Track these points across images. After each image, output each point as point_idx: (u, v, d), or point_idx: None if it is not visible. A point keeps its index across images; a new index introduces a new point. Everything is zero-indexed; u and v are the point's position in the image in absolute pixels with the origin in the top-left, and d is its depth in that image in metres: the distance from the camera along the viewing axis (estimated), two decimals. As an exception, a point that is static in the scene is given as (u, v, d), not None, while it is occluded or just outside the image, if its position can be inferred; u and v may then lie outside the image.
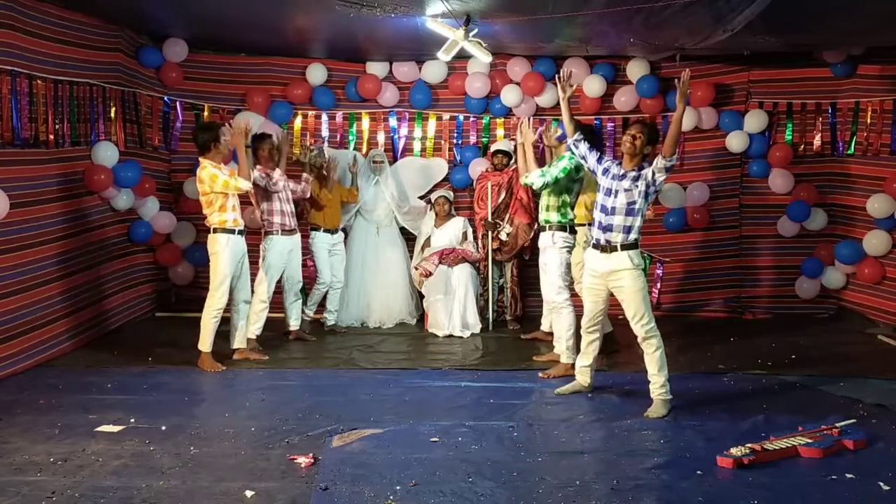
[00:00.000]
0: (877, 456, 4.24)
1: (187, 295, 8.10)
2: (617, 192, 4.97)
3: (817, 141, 7.87)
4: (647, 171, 4.94)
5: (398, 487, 3.81)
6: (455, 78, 8.02)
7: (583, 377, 5.45)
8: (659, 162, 4.90)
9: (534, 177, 5.85)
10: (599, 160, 5.19)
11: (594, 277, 5.14)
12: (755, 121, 7.81)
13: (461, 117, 8.13)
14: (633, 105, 7.92)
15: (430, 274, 7.34)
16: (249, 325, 6.42)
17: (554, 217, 5.91)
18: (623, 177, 4.99)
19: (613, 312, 6.81)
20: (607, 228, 4.99)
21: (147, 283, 7.82)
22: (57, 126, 6.28)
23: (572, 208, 5.97)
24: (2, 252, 5.68)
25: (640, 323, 5.00)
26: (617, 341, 6.43)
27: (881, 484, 3.86)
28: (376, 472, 4.00)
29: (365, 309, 7.58)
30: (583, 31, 6.61)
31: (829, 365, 6.18)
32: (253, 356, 6.26)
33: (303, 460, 4.14)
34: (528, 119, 5.96)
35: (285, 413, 4.97)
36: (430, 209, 7.75)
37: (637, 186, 4.94)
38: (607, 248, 4.99)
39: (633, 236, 4.97)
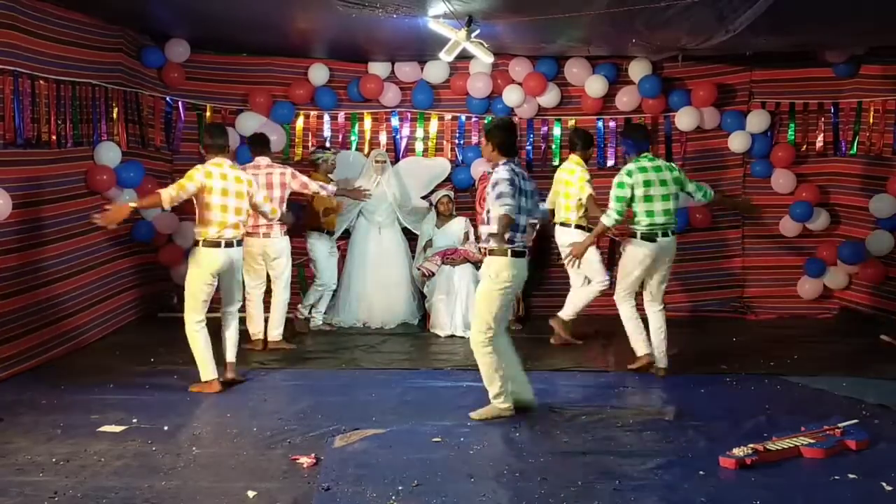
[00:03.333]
0: (879, 456, 4.24)
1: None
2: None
3: (820, 141, 7.86)
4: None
5: (400, 488, 3.81)
6: (457, 78, 8.02)
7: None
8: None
9: (609, 221, 5.64)
10: (516, 194, 4.67)
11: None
12: (757, 121, 7.80)
13: (463, 117, 8.12)
14: (635, 105, 7.92)
15: (433, 274, 7.34)
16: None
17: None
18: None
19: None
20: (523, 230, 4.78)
21: (149, 283, 7.82)
22: (59, 126, 6.28)
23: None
24: (4, 252, 5.69)
25: (477, 329, 4.88)
26: None
27: (884, 484, 3.86)
28: (378, 472, 4.00)
29: (367, 309, 7.57)
30: (585, 32, 6.61)
31: (831, 365, 6.17)
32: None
33: (305, 460, 4.14)
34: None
35: (287, 413, 4.98)
36: (433, 209, 7.76)
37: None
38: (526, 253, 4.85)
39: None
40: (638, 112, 7.95)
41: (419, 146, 8.14)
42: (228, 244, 5.39)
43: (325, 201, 7.04)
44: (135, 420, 4.79)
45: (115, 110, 7.06)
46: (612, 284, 6.34)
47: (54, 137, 6.22)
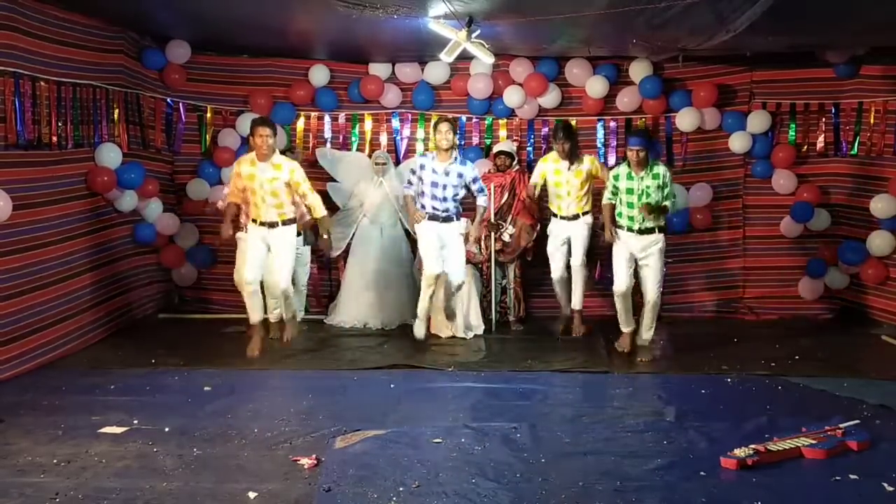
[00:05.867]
0: (881, 457, 4.24)
1: (190, 296, 8.11)
2: (445, 185, 6.48)
3: (820, 141, 7.86)
4: (469, 175, 6.57)
5: (401, 489, 3.81)
6: (457, 79, 8.02)
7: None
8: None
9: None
10: (410, 183, 6.66)
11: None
12: (758, 121, 7.80)
13: (464, 118, 8.12)
14: (636, 105, 7.91)
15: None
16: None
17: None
18: (447, 173, 6.49)
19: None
20: (445, 209, 6.52)
21: (150, 284, 7.82)
22: (60, 128, 6.28)
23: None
24: (5, 254, 5.69)
25: (460, 278, 6.58)
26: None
27: (885, 485, 3.86)
28: (379, 473, 4.00)
29: (368, 310, 7.57)
30: (585, 33, 6.61)
31: (832, 366, 6.18)
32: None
33: (306, 461, 4.15)
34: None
35: (288, 414, 4.98)
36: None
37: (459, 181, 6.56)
38: (445, 218, 6.51)
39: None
40: (639, 113, 7.95)
41: (420, 147, 8.14)
42: None
43: None
44: (136, 421, 4.79)
45: (116, 112, 7.07)
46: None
47: (55, 139, 6.23)
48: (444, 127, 6.43)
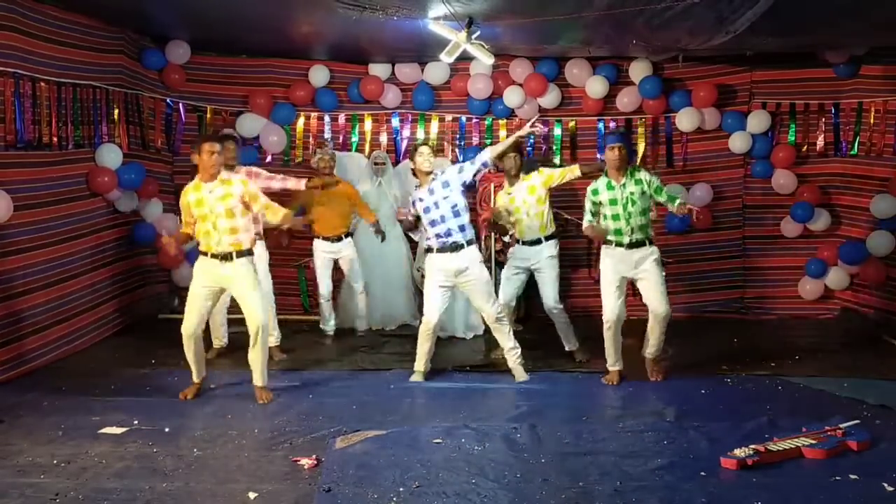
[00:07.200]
0: (881, 457, 4.24)
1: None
2: (437, 202, 5.63)
3: (820, 141, 7.86)
4: (454, 174, 5.72)
5: (401, 489, 3.81)
6: (457, 79, 8.02)
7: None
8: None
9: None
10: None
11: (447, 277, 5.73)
12: (758, 121, 7.80)
13: (464, 118, 8.12)
14: (636, 106, 7.91)
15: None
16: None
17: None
18: (432, 192, 5.67)
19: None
20: (448, 234, 5.64)
21: (150, 285, 7.82)
22: (60, 128, 6.29)
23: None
24: (5, 255, 5.70)
25: (494, 308, 5.71)
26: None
27: (885, 485, 3.86)
28: (379, 473, 4.01)
29: (368, 310, 7.56)
30: (585, 33, 6.60)
31: (832, 366, 6.17)
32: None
33: (306, 462, 4.15)
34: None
35: (288, 415, 4.99)
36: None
37: (448, 190, 5.67)
38: (453, 246, 5.65)
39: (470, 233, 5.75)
40: (639, 113, 7.95)
41: (419, 147, 8.14)
42: None
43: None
44: (136, 422, 4.80)
45: (116, 112, 7.07)
46: None
47: (55, 139, 6.24)
48: (425, 150, 5.70)
